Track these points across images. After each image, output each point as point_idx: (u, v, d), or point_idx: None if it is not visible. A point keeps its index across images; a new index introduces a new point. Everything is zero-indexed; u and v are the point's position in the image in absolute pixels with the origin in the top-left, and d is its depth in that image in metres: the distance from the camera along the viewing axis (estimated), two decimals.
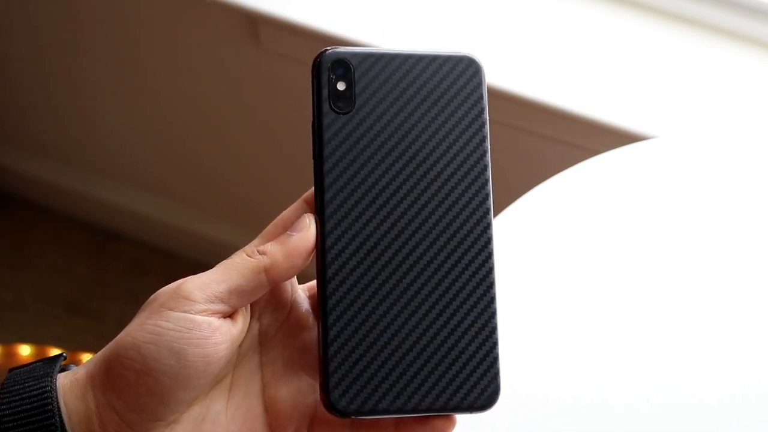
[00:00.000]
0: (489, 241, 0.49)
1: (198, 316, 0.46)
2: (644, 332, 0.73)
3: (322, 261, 0.48)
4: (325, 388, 0.47)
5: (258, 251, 0.47)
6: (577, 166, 0.82)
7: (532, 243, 0.78)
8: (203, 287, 0.46)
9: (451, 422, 0.49)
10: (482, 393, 0.48)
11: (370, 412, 0.47)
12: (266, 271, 0.47)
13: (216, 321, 0.46)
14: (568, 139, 1.10)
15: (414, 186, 0.49)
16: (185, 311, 0.46)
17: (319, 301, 0.48)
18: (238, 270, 0.47)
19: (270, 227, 0.50)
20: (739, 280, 0.76)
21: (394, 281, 0.48)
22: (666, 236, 0.78)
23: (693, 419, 0.70)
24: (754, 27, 1.08)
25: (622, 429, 0.69)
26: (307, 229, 0.48)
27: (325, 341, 0.47)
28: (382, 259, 0.48)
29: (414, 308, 0.48)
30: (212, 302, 0.46)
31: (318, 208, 0.48)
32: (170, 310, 0.46)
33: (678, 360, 0.72)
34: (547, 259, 0.77)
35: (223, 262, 0.48)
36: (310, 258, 0.48)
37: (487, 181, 0.50)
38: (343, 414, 0.47)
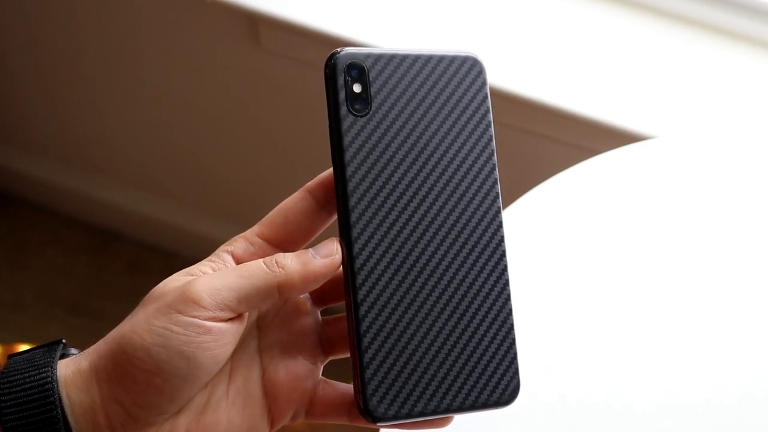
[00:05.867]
0: (502, 239, 0.50)
1: (208, 322, 0.46)
2: (645, 332, 0.73)
3: (351, 267, 0.47)
4: (363, 396, 0.47)
5: (277, 263, 0.47)
6: (577, 166, 0.82)
7: (532, 243, 0.78)
8: (213, 293, 0.46)
9: (449, 419, 0.49)
10: (506, 389, 0.49)
11: (407, 416, 0.47)
12: (279, 286, 0.47)
13: (225, 325, 0.46)
14: (568, 139, 1.10)
15: (431, 188, 0.49)
16: (195, 316, 0.46)
17: (349, 307, 0.48)
18: (251, 279, 0.47)
19: (271, 215, 0.50)
20: (738, 279, 0.76)
21: (419, 284, 0.48)
22: (666, 236, 0.78)
23: (695, 420, 0.69)
24: (754, 27, 1.08)
25: (624, 430, 0.69)
26: (332, 259, 0.47)
27: (359, 348, 0.47)
28: (407, 262, 0.48)
29: (439, 310, 0.48)
30: (222, 309, 0.46)
31: (342, 213, 0.48)
32: (179, 313, 0.46)
33: (679, 359, 0.72)
34: (547, 259, 0.77)
35: (238, 266, 0.48)
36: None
37: (496, 181, 0.50)
38: (381, 420, 0.47)
